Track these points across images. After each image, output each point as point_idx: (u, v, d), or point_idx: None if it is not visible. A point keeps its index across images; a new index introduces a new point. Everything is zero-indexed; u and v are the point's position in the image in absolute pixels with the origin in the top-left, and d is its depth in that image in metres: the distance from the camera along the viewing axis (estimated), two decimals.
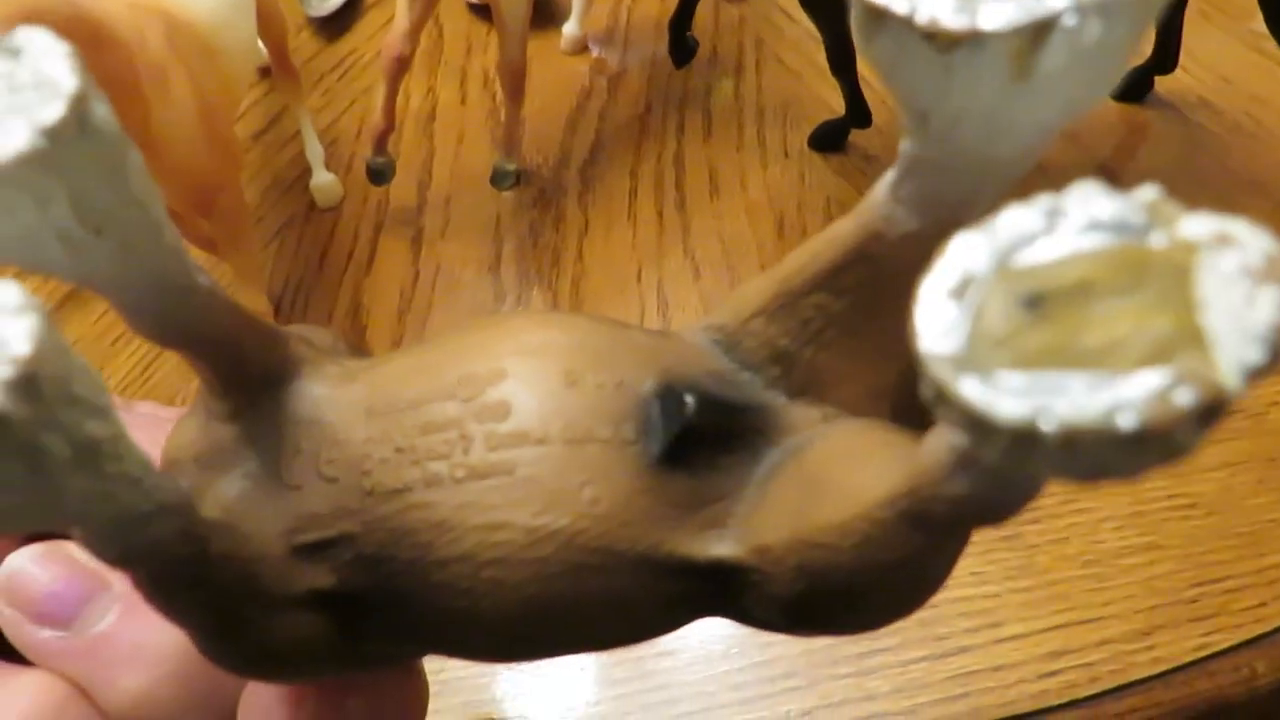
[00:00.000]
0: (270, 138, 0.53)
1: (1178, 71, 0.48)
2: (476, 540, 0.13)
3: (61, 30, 0.30)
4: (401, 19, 0.42)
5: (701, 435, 0.13)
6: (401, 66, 0.43)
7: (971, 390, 0.08)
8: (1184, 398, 0.08)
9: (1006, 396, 0.08)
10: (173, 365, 0.43)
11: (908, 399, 0.14)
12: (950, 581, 0.13)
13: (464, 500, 0.13)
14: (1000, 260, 0.09)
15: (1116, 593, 0.34)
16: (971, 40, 0.10)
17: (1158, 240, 0.09)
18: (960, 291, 0.08)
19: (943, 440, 0.10)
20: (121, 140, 0.11)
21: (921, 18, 0.10)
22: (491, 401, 0.13)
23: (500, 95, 0.47)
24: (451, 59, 0.56)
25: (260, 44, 0.45)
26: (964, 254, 0.09)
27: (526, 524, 0.13)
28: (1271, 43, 0.42)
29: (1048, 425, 0.08)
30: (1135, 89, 0.48)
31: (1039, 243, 0.09)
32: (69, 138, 0.10)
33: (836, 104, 0.48)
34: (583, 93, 0.53)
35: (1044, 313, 0.08)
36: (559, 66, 0.55)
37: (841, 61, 0.46)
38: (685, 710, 0.32)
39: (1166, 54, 0.47)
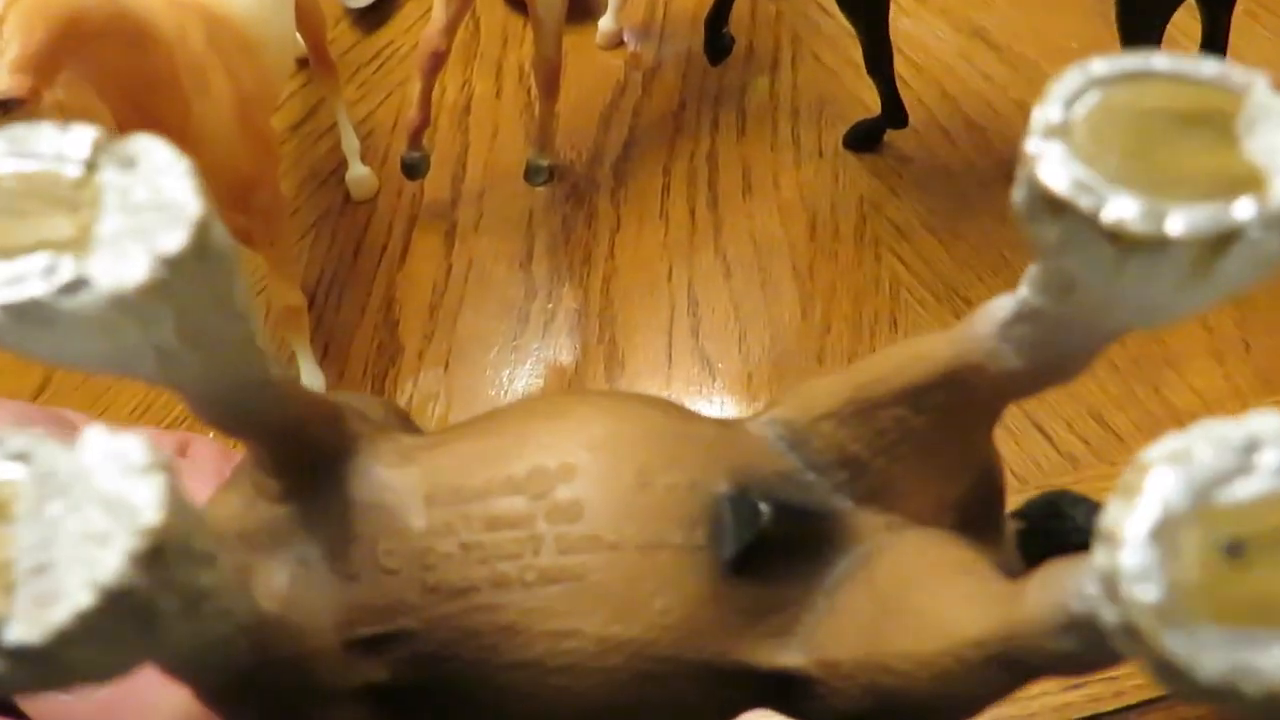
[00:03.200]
0: (307, 129, 0.53)
1: None
2: (545, 647, 0.13)
3: (105, 27, 0.30)
4: (439, 14, 0.42)
5: (773, 543, 0.13)
6: (437, 63, 0.43)
7: (1176, 646, 0.08)
8: None
9: (1209, 653, 0.08)
10: None
11: (973, 512, 0.14)
12: None
13: (534, 605, 0.13)
14: (1199, 500, 0.08)
15: None
16: (1155, 245, 0.09)
17: None
18: (1160, 534, 0.08)
19: (1052, 597, 0.10)
20: (234, 260, 0.10)
21: (1108, 217, 0.09)
22: (563, 501, 0.13)
23: (535, 90, 0.47)
24: (488, 52, 0.56)
25: (298, 36, 0.45)
26: (1162, 491, 0.09)
27: (597, 633, 0.13)
28: None
29: (1250, 688, 0.08)
30: None
31: (1237, 482, 0.09)
32: (188, 265, 0.10)
33: (872, 102, 0.48)
34: (617, 88, 0.53)
35: (1246, 560, 0.08)
36: (594, 61, 0.54)
37: (876, 62, 0.45)
38: None
39: (1213, 54, 0.46)
